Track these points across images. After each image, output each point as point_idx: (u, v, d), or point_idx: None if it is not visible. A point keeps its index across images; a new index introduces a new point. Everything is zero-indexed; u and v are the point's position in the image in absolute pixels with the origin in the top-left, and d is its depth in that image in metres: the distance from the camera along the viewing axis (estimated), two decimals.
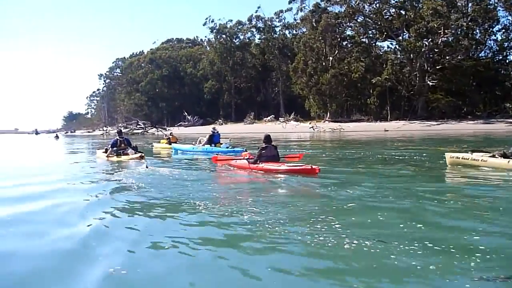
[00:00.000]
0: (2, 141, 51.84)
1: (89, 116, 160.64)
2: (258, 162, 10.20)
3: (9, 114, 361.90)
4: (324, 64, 65.64)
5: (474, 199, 6.56)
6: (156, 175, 9.89)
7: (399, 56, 59.62)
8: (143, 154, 13.66)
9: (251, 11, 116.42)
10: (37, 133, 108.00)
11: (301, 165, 9.63)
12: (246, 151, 13.79)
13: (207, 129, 41.98)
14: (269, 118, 73.58)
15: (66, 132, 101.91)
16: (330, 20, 62.23)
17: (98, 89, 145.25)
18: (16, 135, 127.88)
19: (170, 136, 22.25)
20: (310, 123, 61.07)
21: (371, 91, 62.12)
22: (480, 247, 3.90)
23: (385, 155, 15.12)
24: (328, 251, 3.96)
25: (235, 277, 3.49)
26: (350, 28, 66.65)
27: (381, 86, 58.35)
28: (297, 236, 4.43)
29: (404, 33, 58.94)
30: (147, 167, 10.76)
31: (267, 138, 10.52)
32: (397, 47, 60.02)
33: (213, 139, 17.42)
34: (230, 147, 16.45)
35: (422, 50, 53.75)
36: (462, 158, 10.53)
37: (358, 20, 63.70)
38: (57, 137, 62.21)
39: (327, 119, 65.31)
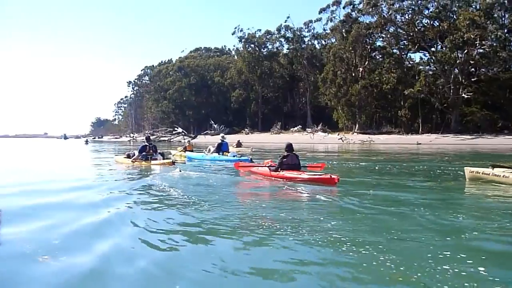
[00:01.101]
0: (44, 146, 52.29)
1: (116, 122, 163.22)
2: (279, 170, 10.53)
3: (39, 118, 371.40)
4: (354, 74, 64.71)
5: (488, 216, 6.27)
6: (188, 179, 10.68)
7: (432, 67, 58.17)
8: (173, 160, 14.27)
9: (280, 21, 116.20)
10: (65, 138, 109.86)
11: (320, 174, 9.82)
12: (251, 160, 15.08)
13: (234, 138, 42.15)
14: (296, 128, 72.81)
15: (94, 138, 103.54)
16: (361, 31, 61.35)
17: (126, 96, 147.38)
18: (45, 139, 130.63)
19: (187, 145, 22.71)
20: (338, 134, 60.04)
21: (402, 103, 60.72)
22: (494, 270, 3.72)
23: (414, 169, 14.65)
24: (340, 260, 4.02)
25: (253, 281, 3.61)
26: (381, 39, 65.56)
27: (413, 98, 56.93)
28: (312, 243, 4.54)
29: (438, 44, 57.53)
30: (180, 171, 11.59)
31: (289, 147, 10.77)
32: (431, 59, 58.55)
33: (222, 147, 17.75)
34: (237, 156, 16.86)
35: (457, 61, 52.34)
36: (482, 173, 10.05)
37: (390, 31, 62.59)
38: (87, 142, 63.13)
39: (355, 130, 64.14)
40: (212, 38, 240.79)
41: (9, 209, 6.11)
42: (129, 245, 4.64)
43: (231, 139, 35.66)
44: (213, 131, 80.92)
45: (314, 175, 9.82)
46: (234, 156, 16.75)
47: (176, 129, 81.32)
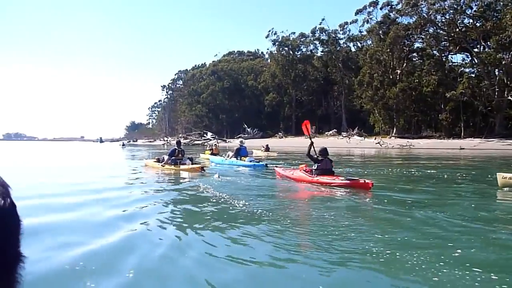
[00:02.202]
0: (83, 149, 53.09)
1: (150, 126, 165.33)
2: (313, 175, 10.56)
3: (76, 122, 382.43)
4: (391, 77, 62.97)
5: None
6: (226, 184, 10.73)
7: (475, 69, 55.82)
8: (202, 166, 14.32)
9: (314, 23, 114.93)
10: (101, 141, 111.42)
11: (354, 180, 9.77)
12: (266, 166, 15.89)
13: (267, 142, 41.55)
14: (331, 132, 71.40)
15: (129, 141, 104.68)
16: (399, 32, 59.53)
17: (159, 100, 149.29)
18: (82, 142, 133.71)
19: (213, 148, 22.86)
20: (375, 139, 58.36)
21: (442, 106, 58.52)
22: None
23: (457, 175, 14.02)
24: (372, 265, 4.01)
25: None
26: (420, 40, 63.49)
27: (455, 101, 54.67)
28: (345, 247, 4.58)
29: (481, 45, 55.13)
30: (219, 177, 11.70)
31: (323, 151, 10.79)
32: (473, 60, 56.21)
33: (240, 152, 17.83)
34: (254, 161, 16.95)
35: (503, 62, 49.90)
36: None
37: (429, 31, 60.53)
38: (123, 145, 63.88)
39: (393, 134, 62.27)
40: (245, 41, 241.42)
41: (54, 204, 7.48)
42: (179, 253, 4.59)
43: (262, 143, 36.27)
44: (246, 135, 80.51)
45: (348, 180, 9.82)
46: (251, 161, 16.90)
47: (205, 134, 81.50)
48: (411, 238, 5.04)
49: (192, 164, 14.46)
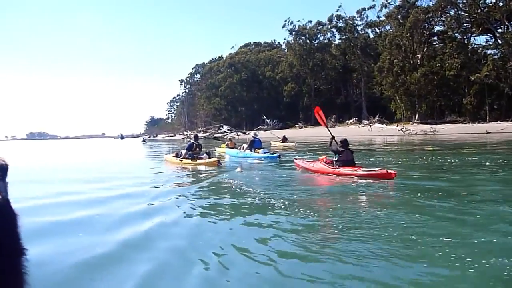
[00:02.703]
0: (106, 146, 53.66)
1: (169, 121, 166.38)
2: (335, 166, 10.48)
3: (97, 119, 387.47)
4: (412, 62, 61.63)
5: None
6: (247, 176, 10.77)
7: (499, 50, 54.13)
8: (219, 159, 14.34)
9: (330, 11, 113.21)
10: (122, 137, 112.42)
11: (377, 170, 9.61)
12: (279, 156, 16.23)
13: (287, 132, 41.17)
14: (351, 120, 70.48)
15: (149, 137, 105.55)
16: (419, 15, 58.08)
17: (178, 95, 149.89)
18: (103, 139, 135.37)
19: (229, 142, 22.83)
20: (397, 125, 57.33)
21: (466, 90, 57.06)
22: None
23: (482, 160, 13.58)
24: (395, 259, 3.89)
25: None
26: (440, 23, 61.88)
27: (479, 84, 53.23)
28: (368, 242, 4.42)
29: (505, 25, 53.40)
30: (241, 170, 11.80)
31: (344, 143, 10.63)
32: (497, 41, 54.53)
33: (254, 144, 18.14)
34: (268, 153, 17.13)
35: None
36: None
37: (450, 14, 58.94)
38: (144, 141, 64.44)
39: (415, 121, 61.01)
40: (262, 32, 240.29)
41: (84, 199, 7.99)
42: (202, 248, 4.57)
43: (282, 134, 35.73)
44: (266, 127, 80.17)
45: (371, 170, 9.68)
46: (265, 153, 17.07)
47: (221, 127, 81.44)
48: (439, 228, 4.93)
49: (209, 158, 14.54)
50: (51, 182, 11.68)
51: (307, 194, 8.08)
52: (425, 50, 61.41)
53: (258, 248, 4.38)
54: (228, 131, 75.01)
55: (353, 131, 56.94)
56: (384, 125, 60.34)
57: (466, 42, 59.23)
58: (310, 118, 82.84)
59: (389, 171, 9.23)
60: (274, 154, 16.76)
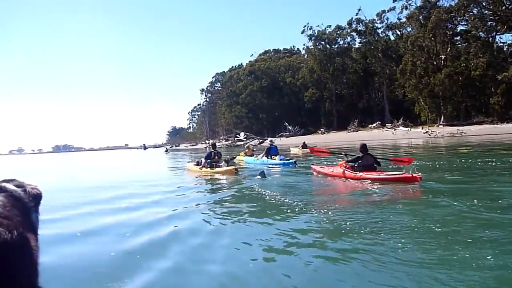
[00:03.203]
0: (132, 157, 54.13)
1: (191, 130, 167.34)
2: (355, 171, 10.32)
3: (120, 131, 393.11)
4: (435, 63, 60.38)
5: None
6: (267, 183, 10.70)
7: None
8: (236, 167, 14.35)
9: (350, 15, 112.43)
10: (145, 148, 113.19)
11: (401, 173, 9.36)
12: (295, 162, 16.27)
13: (309, 138, 40.84)
14: (375, 124, 69.40)
15: (171, 146, 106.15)
16: (441, 15, 56.90)
17: (199, 104, 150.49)
18: (127, 150, 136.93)
19: (247, 150, 23.18)
20: (422, 128, 56.15)
21: (493, 90, 55.49)
22: None
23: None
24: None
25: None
26: (464, 22, 60.48)
27: (507, 83, 51.62)
28: (393, 247, 4.33)
29: None
30: (263, 177, 11.80)
31: (363, 147, 10.57)
32: None
33: (270, 151, 18.44)
34: (284, 159, 17.27)
35: None
36: None
37: (473, 12, 57.57)
38: (167, 150, 64.82)
39: (441, 123, 59.72)
40: (280, 39, 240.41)
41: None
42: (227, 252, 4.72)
43: (303, 140, 35.68)
44: (287, 133, 79.75)
45: (394, 174, 9.44)
46: (281, 159, 17.29)
47: (238, 135, 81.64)
48: (466, 233, 4.77)
49: (228, 166, 14.66)
50: (73, 192, 12.06)
51: (326, 199, 8.00)
52: (448, 50, 60.11)
53: (281, 254, 4.42)
54: (245, 139, 75.07)
55: (376, 135, 56.08)
56: (409, 128, 59.13)
57: (491, 40, 57.64)
58: (332, 124, 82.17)
59: (414, 174, 8.89)
60: (290, 160, 16.90)
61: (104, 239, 5.60)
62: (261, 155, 19.11)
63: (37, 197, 1.22)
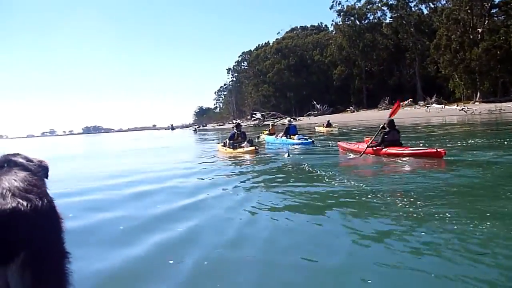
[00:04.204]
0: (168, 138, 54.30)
1: (217, 110, 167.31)
2: (381, 147, 10.41)
3: (148, 112, 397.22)
4: (472, 37, 57.85)
5: None
6: (295, 162, 10.80)
7: None
8: (257, 147, 14.35)
9: None
10: (172, 128, 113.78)
11: (425, 149, 9.47)
12: (313, 142, 16.53)
13: (337, 117, 39.83)
14: (407, 102, 67.35)
15: (199, 126, 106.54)
16: None
17: (225, 84, 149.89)
18: (155, 131, 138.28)
19: (270, 128, 23.28)
20: (457, 105, 54.18)
21: None
22: None
23: None
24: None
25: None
26: None
27: None
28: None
29: None
30: (289, 155, 11.99)
31: (391, 123, 10.65)
32: None
33: (289, 131, 18.64)
34: (302, 139, 17.39)
35: None
36: None
37: None
38: (195, 131, 65.03)
39: (477, 99, 57.53)
40: (307, 16, 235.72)
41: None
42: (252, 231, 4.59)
43: (332, 119, 36.96)
44: (316, 112, 78.58)
45: (419, 149, 9.61)
46: (299, 139, 17.45)
47: (254, 115, 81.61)
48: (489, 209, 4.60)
49: (251, 146, 14.48)
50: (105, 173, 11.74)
51: (353, 176, 7.92)
52: (485, 23, 57.45)
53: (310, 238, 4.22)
54: (262, 118, 75.14)
55: (409, 113, 54.38)
56: (443, 105, 57.19)
57: None
58: (361, 102, 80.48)
59: (439, 149, 9.00)
60: (309, 140, 16.97)
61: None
62: (281, 134, 19.34)
63: (46, 170, 1.27)
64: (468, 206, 4.80)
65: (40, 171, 1.23)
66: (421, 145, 11.81)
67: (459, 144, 12.62)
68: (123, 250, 4.00)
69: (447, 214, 4.43)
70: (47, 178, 1.26)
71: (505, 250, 3.37)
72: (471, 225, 4.02)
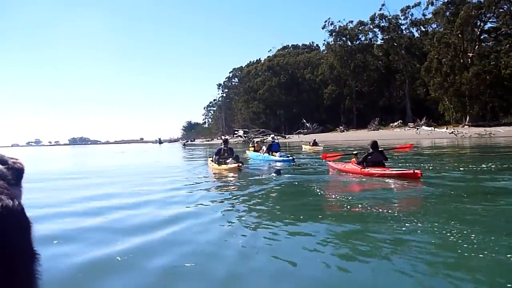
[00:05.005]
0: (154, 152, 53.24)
1: (206, 125, 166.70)
2: (364, 167, 10.81)
3: (135, 125, 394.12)
4: (462, 61, 58.30)
5: None
6: (284, 180, 10.62)
7: None
8: (241, 164, 13.85)
9: (372, 10, 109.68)
10: (160, 142, 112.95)
11: (403, 170, 9.92)
12: (293, 159, 16.63)
13: (327, 136, 39.55)
14: (396, 123, 67.51)
15: (187, 141, 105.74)
16: (471, 11, 54.76)
17: (215, 99, 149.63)
18: (142, 144, 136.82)
19: (255, 145, 23.57)
20: (447, 128, 54.29)
21: None
22: None
23: None
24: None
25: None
26: (493, 19, 58.21)
27: None
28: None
29: None
30: (278, 174, 11.58)
31: (374, 144, 11.02)
32: None
33: (272, 148, 19.06)
34: (284, 156, 17.65)
35: None
36: None
37: (504, 9, 55.33)
38: (184, 145, 64.17)
39: (466, 123, 57.74)
40: (298, 35, 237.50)
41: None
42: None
43: (321, 137, 37.75)
44: (305, 130, 78.31)
45: (398, 170, 10.01)
46: (281, 156, 17.75)
47: (236, 132, 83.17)
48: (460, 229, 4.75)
49: (236, 162, 14.08)
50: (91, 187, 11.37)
51: (336, 194, 8.11)
52: (476, 48, 58.04)
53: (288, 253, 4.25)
54: (245, 136, 75.29)
55: (399, 135, 54.37)
56: (432, 128, 57.31)
57: None
58: (351, 122, 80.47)
59: (416, 171, 9.44)
60: (289, 158, 17.23)
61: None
62: (264, 151, 19.74)
63: (20, 171, 1.23)
64: (428, 220, 5.24)
65: (13, 172, 1.29)
66: (400, 165, 12.18)
67: (442, 166, 12.93)
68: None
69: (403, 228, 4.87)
70: (21, 180, 1.31)
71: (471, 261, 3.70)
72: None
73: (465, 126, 55.67)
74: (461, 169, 11.84)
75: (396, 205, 6.61)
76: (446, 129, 53.83)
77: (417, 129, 57.83)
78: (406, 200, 7.36)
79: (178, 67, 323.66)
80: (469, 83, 55.31)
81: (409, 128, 61.33)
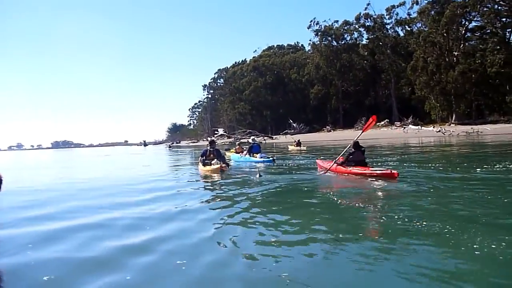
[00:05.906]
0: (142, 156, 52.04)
1: (191, 127, 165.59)
2: (345, 166, 11.11)
3: (120, 127, 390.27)
4: (448, 60, 58.47)
5: None
6: (266, 182, 10.38)
7: None
8: (224, 165, 13.99)
9: (357, 10, 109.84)
10: (145, 144, 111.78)
11: (382, 170, 10.12)
12: (274, 160, 16.83)
13: (314, 136, 39.16)
14: (383, 123, 67.42)
15: (173, 143, 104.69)
16: (456, 10, 54.93)
17: (200, 101, 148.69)
18: (127, 147, 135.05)
19: (237, 147, 23.55)
20: (433, 127, 54.39)
21: (508, 88, 53.58)
22: None
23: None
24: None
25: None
26: (478, 18, 58.45)
27: None
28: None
29: None
30: (260, 176, 11.54)
31: (356, 144, 11.24)
32: None
33: (252, 149, 19.04)
34: (264, 157, 17.86)
35: None
36: None
37: (488, 8, 55.58)
38: (170, 147, 63.46)
39: (452, 121, 57.95)
40: (284, 35, 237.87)
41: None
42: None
43: (308, 138, 36.45)
44: (292, 131, 77.88)
45: (376, 170, 10.17)
46: (262, 157, 17.98)
47: (216, 131, 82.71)
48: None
49: (223, 163, 14.18)
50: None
51: (317, 194, 8.31)
52: (461, 47, 58.28)
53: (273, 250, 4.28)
54: (227, 135, 75.10)
55: (385, 134, 54.31)
56: (419, 126, 57.38)
57: (507, 37, 55.78)
58: (338, 121, 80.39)
59: (393, 171, 9.68)
60: (270, 158, 17.44)
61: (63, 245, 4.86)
62: (245, 152, 19.84)
63: None
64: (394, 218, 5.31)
65: None
66: (380, 165, 12.53)
67: (422, 165, 12.93)
68: None
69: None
70: None
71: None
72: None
73: (452, 125, 55.81)
74: (445, 169, 11.43)
75: (373, 201, 7.06)
76: (433, 127, 53.90)
77: (404, 128, 57.85)
78: (383, 196, 7.65)
79: (162, 68, 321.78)
80: (455, 81, 55.48)
81: (396, 127, 61.34)
